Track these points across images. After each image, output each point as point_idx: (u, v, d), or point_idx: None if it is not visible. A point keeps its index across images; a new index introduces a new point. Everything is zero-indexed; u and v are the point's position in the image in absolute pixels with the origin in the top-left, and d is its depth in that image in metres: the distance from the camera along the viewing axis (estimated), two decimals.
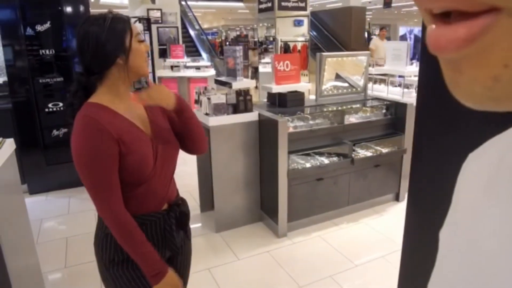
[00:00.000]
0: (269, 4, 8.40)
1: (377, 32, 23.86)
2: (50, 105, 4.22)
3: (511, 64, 0.21)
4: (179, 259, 1.52)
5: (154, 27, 11.46)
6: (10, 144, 2.20)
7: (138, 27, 1.37)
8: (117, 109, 1.30)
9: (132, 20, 1.40)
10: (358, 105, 3.82)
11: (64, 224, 3.68)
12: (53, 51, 4.15)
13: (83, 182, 1.22)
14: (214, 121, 3.16)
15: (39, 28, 4.04)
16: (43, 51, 4.10)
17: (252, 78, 7.62)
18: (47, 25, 4.06)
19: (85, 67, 1.27)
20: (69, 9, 4.18)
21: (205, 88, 3.44)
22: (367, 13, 15.23)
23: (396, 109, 3.82)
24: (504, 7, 0.20)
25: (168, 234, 1.40)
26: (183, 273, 1.55)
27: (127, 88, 1.35)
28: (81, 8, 4.26)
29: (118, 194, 1.24)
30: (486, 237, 0.32)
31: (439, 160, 1.33)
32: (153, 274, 1.27)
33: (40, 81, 4.13)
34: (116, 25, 1.26)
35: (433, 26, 0.24)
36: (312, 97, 4.10)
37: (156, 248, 1.32)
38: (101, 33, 1.23)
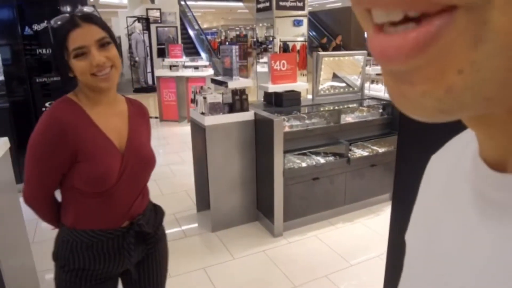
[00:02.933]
0: (267, 4, 8.40)
1: None
2: (47, 105, 4.22)
3: (465, 68, 0.19)
4: (139, 271, 1.47)
5: (153, 26, 11.47)
6: (4, 143, 2.20)
7: (81, 36, 1.15)
8: (92, 113, 1.27)
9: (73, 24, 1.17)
10: (354, 105, 3.82)
11: None
12: (51, 51, 4.14)
13: (25, 168, 1.25)
14: (209, 121, 3.16)
15: (36, 27, 4.04)
16: (41, 50, 4.10)
17: None
18: (44, 24, 4.06)
19: None
20: (66, 8, 4.18)
21: (201, 87, 3.45)
22: None
23: (392, 108, 3.82)
24: (462, 5, 0.18)
25: (126, 252, 1.34)
26: (146, 284, 1.50)
27: (104, 96, 1.28)
28: (79, 7, 4.25)
29: (44, 192, 1.28)
30: (440, 240, 0.33)
31: (423, 161, 1.32)
32: None
33: (37, 80, 4.14)
34: (56, 38, 1.20)
35: (375, 33, 0.21)
36: (310, 96, 4.11)
37: (108, 264, 1.33)
38: (52, 43, 1.22)
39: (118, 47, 1.30)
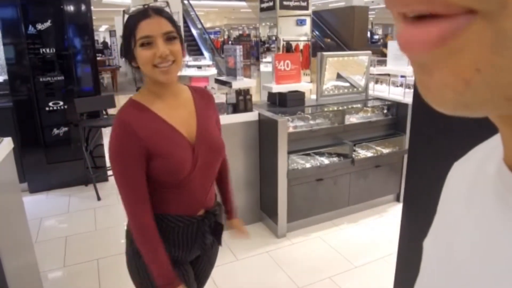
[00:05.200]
0: (271, 4, 8.38)
1: (380, 32, 23.84)
2: (50, 104, 4.22)
3: (483, 68, 0.20)
4: (204, 260, 1.52)
5: None
6: (8, 143, 2.19)
7: (150, 26, 1.18)
8: (157, 109, 1.28)
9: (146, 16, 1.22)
10: (359, 105, 3.80)
11: (64, 223, 3.68)
12: (54, 50, 4.14)
13: (115, 181, 1.27)
14: None
15: (40, 26, 4.03)
16: (44, 49, 4.10)
17: None
18: (48, 23, 4.05)
19: None
20: (70, 7, 4.18)
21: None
22: (369, 12, 15.18)
23: (397, 109, 3.80)
24: (480, 10, 0.19)
25: (199, 239, 1.39)
26: (203, 276, 1.56)
27: (164, 88, 1.30)
28: (83, 6, 4.25)
29: (140, 194, 1.24)
30: (461, 246, 0.32)
31: (435, 163, 1.31)
32: (163, 285, 1.25)
33: (41, 79, 4.13)
34: (126, 27, 1.24)
35: (403, 25, 0.23)
36: (313, 96, 4.09)
37: (184, 249, 1.36)
38: (123, 31, 1.26)
39: (183, 44, 1.32)
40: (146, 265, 1.28)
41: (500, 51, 0.19)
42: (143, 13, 1.21)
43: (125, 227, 1.39)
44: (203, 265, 1.51)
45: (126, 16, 1.26)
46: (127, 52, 1.24)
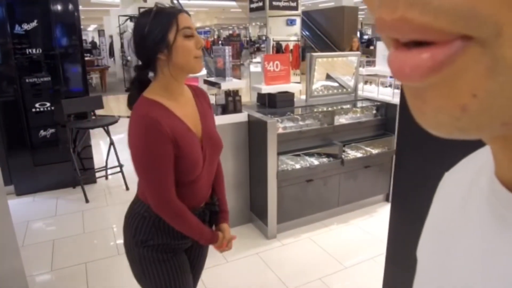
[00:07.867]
0: (260, 4, 8.36)
1: (369, 32, 23.99)
2: (37, 105, 4.16)
3: (479, 93, 0.20)
4: (196, 251, 1.58)
5: None
6: None
7: (188, 20, 1.27)
8: (171, 107, 1.30)
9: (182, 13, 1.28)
10: (348, 106, 3.81)
11: (51, 226, 3.63)
12: (41, 50, 4.08)
13: (139, 176, 1.30)
14: None
15: (26, 26, 3.97)
16: (31, 50, 4.03)
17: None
18: (35, 23, 3.99)
19: (138, 60, 1.32)
20: (57, 7, 4.12)
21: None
22: (359, 13, 15.26)
23: (386, 109, 3.82)
24: (475, 37, 0.19)
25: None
26: (198, 264, 1.63)
27: (179, 85, 1.33)
28: (70, 6, 4.20)
29: (172, 188, 1.29)
30: (459, 260, 0.33)
31: (423, 164, 1.31)
32: (210, 241, 1.43)
33: (27, 80, 4.06)
34: (159, 19, 1.24)
35: (395, 51, 0.22)
36: (303, 97, 4.09)
37: (183, 238, 1.40)
38: (144, 26, 1.24)
39: None
40: (151, 256, 1.37)
41: (496, 77, 0.19)
42: (178, 9, 1.28)
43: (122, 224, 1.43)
44: (196, 253, 1.56)
45: (160, 8, 1.27)
46: (159, 43, 1.23)
